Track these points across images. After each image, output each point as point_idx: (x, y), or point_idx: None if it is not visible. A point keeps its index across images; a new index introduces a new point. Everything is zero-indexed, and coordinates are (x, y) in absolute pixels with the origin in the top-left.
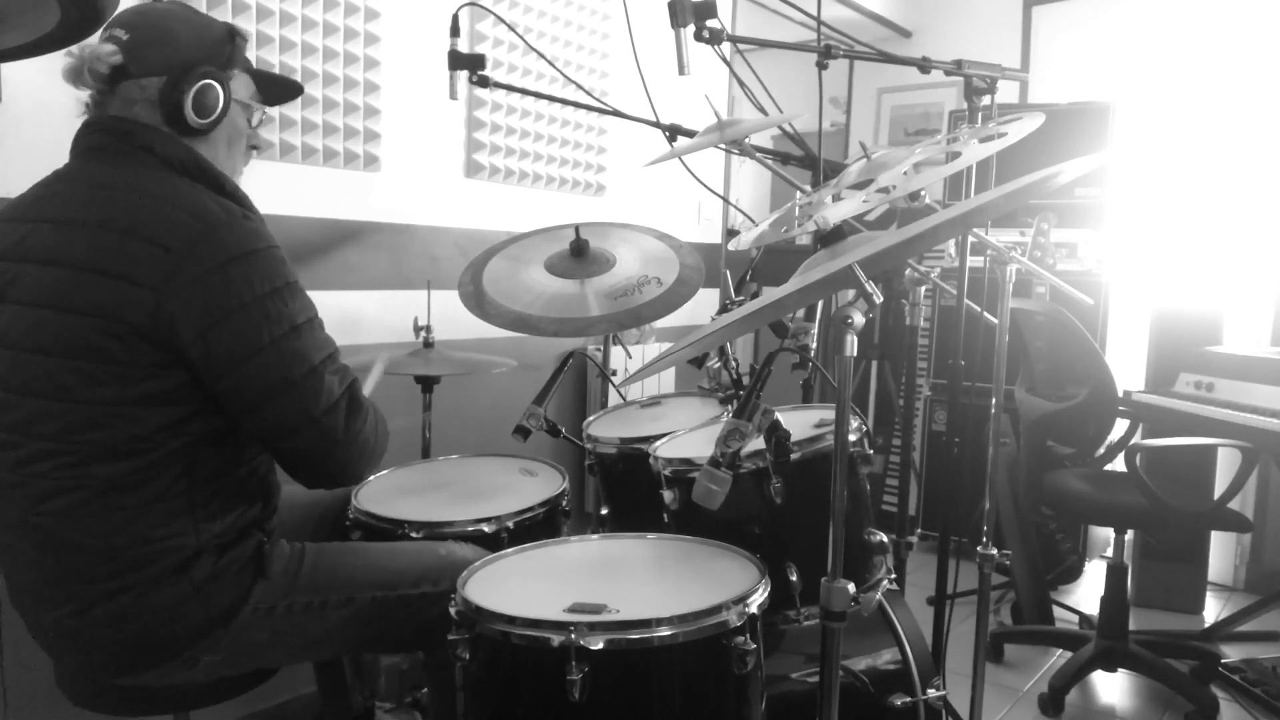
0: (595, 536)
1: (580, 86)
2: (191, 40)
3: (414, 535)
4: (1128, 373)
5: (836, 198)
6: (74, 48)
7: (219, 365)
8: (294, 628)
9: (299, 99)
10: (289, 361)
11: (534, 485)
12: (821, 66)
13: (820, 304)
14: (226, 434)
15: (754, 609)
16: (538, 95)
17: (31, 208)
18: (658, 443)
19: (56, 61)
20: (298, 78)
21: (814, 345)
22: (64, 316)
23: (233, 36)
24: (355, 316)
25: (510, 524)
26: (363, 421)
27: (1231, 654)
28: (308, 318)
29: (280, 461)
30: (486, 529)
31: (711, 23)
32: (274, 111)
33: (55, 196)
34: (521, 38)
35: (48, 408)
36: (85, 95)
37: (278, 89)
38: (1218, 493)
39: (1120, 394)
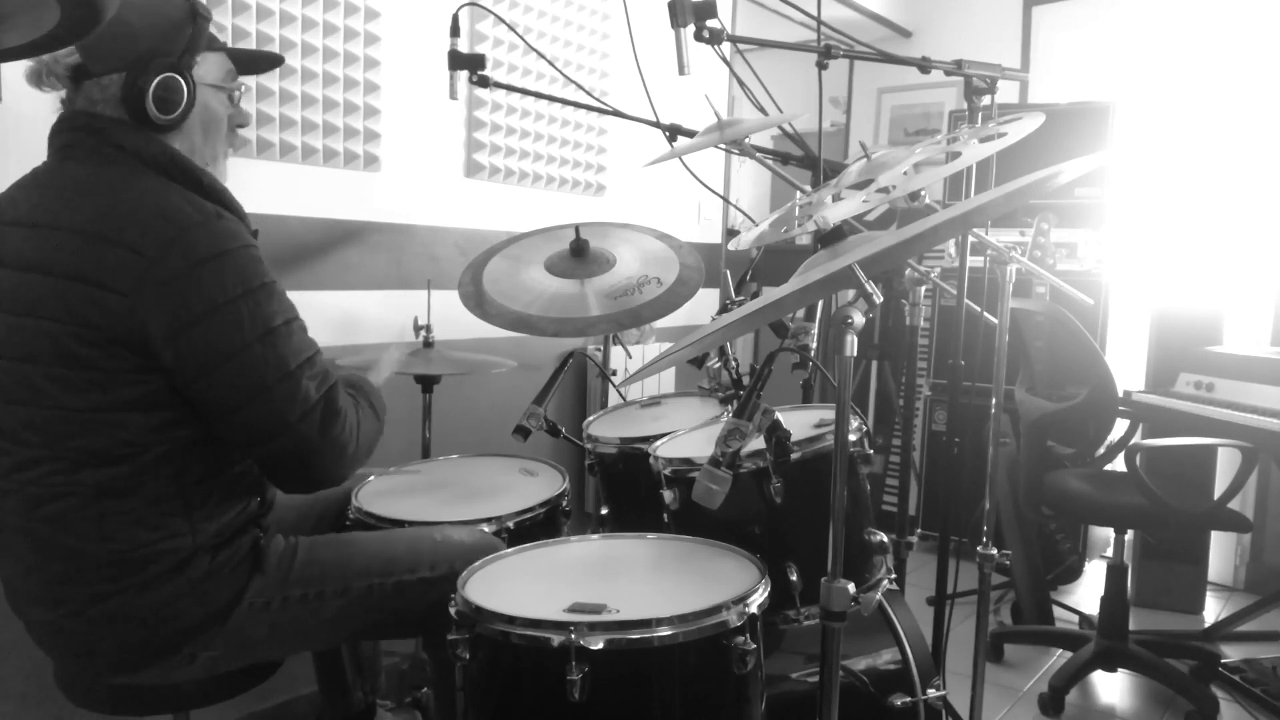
0: (595, 536)
1: (580, 86)
2: (147, 29)
3: None
4: (1128, 373)
5: (836, 198)
6: None
7: (191, 369)
8: (291, 620)
9: (299, 99)
10: (263, 366)
11: (534, 485)
12: (821, 66)
13: (820, 304)
14: (215, 436)
15: (754, 609)
16: (538, 95)
17: (6, 210)
18: (658, 443)
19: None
20: (297, 78)
21: (814, 345)
22: (41, 323)
23: (194, 16)
24: (355, 316)
25: (510, 524)
26: (340, 427)
27: (1231, 654)
28: (285, 320)
29: (258, 466)
30: (487, 529)
31: (711, 23)
32: (274, 111)
33: (29, 199)
34: (521, 38)
35: (33, 415)
36: (61, 94)
37: (254, 61)
38: (1218, 493)
39: (1120, 394)
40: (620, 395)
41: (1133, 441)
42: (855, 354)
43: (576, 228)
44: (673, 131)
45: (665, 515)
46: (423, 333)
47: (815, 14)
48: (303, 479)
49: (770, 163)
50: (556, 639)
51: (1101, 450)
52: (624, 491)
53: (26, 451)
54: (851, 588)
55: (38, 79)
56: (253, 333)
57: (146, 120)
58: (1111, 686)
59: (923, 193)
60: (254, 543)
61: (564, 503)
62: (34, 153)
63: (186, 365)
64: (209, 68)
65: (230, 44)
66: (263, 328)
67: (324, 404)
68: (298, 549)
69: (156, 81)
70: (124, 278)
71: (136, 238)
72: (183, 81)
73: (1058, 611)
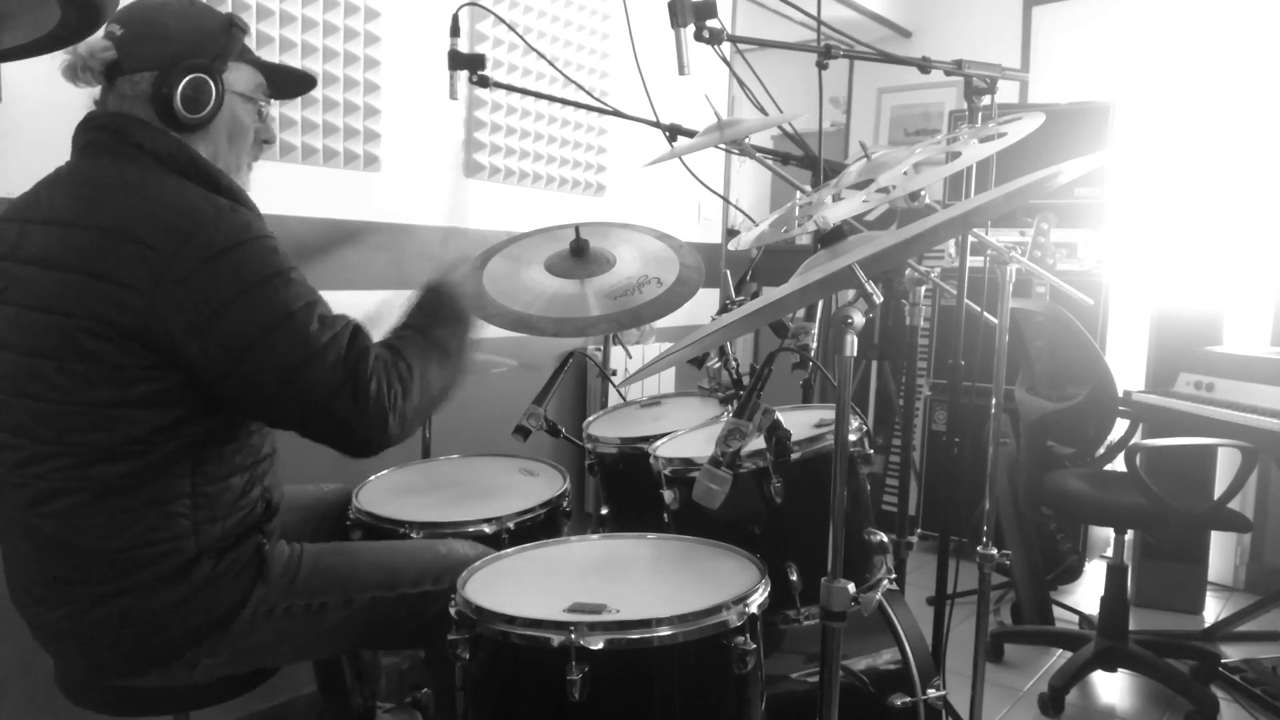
0: (595, 536)
1: (580, 86)
2: (183, 33)
3: (414, 535)
4: (1128, 373)
5: (837, 198)
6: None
7: (220, 365)
8: (294, 629)
9: (299, 99)
10: (285, 351)
11: (534, 485)
12: (821, 66)
13: (820, 304)
14: (225, 436)
15: (754, 609)
16: (538, 95)
17: (28, 208)
18: (658, 443)
19: (57, 61)
20: None
21: (814, 345)
22: (57, 319)
23: (230, 27)
24: (355, 316)
25: (511, 524)
26: (371, 399)
27: (1231, 654)
28: (305, 303)
29: (316, 440)
30: (487, 529)
31: (711, 23)
32: (274, 111)
33: (50, 197)
34: (521, 38)
35: (45, 410)
36: (95, 92)
37: (289, 82)
38: (1218, 493)
39: (1120, 394)
40: (620, 395)
41: (1133, 441)
42: (855, 354)
43: (576, 228)
44: (673, 131)
45: (665, 515)
46: None
47: (815, 14)
48: (353, 448)
49: (770, 163)
50: (556, 639)
51: (1101, 450)
52: (624, 491)
53: (36, 446)
54: (851, 588)
55: (73, 73)
56: (272, 319)
57: (173, 119)
58: (1111, 686)
59: (923, 193)
60: (257, 548)
61: (564, 503)
62: (35, 152)
63: (214, 361)
64: (240, 77)
65: None
66: (282, 313)
67: (351, 381)
68: (303, 557)
69: (185, 81)
70: (141, 275)
71: (151, 234)
72: (211, 84)
73: (1058, 611)
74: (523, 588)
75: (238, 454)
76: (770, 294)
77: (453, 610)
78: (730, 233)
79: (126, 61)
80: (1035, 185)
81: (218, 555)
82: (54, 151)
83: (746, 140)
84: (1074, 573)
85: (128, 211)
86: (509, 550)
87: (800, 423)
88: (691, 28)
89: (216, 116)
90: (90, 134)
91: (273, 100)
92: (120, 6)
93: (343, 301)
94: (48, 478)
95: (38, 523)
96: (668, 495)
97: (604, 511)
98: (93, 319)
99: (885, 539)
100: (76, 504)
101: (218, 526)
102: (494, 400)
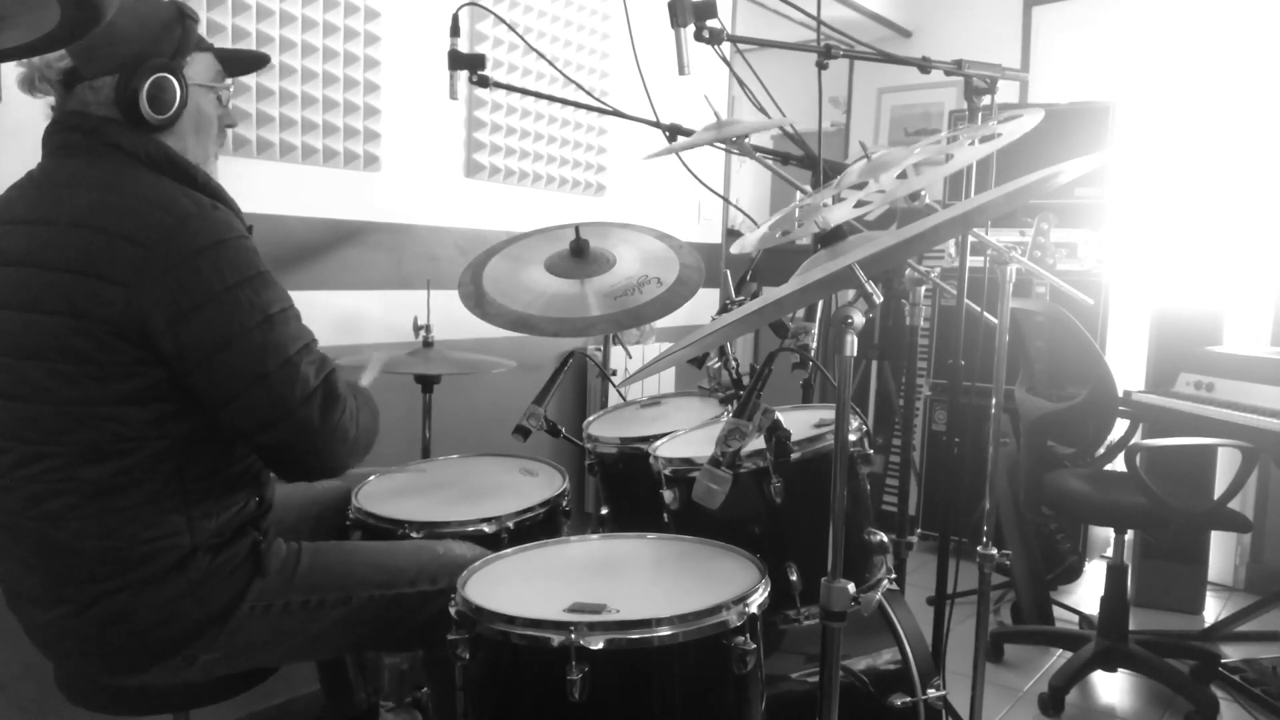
0: (595, 536)
1: (580, 86)
2: (136, 32)
3: (414, 535)
4: (1128, 373)
5: (837, 199)
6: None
7: (191, 358)
8: (292, 627)
9: (299, 99)
10: (262, 352)
11: (534, 485)
12: (821, 66)
13: (820, 304)
14: (215, 431)
15: (754, 609)
16: (538, 95)
17: (4, 209)
18: (658, 443)
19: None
20: (297, 78)
21: (814, 345)
22: (40, 318)
23: (182, 18)
24: (355, 316)
25: (510, 524)
26: (340, 412)
27: (1231, 654)
28: (281, 308)
29: (260, 456)
30: (486, 529)
31: (711, 23)
32: (274, 111)
33: (26, 197)
34: (521, 38)
35: (32, 411)
36: (51, 100)
37: (243, 62)
38: (1218, 493)
39: (1120, 394)
40: (620, 395)
41: (1133, 441)
42: (855, 354)
43: (576, 228)
44: (673, 131)
45: (665, 515)
46: (423, 333)
47: (815, 14)
48: (304, 467)
49: (770, 163)
50: (556, 639)
51: (1101, 450)
52: (624, 491)
53: (26, 448)
54: (851, 588)
55: (29, 84)
56: (251, 319)
57: (140, 121)
58: (1111, 686)
59: (923, 193)
60: (253, 545)
61: (564, 503)
62: (34, 153)
63: (187, 354)
64: (198, 68)
65: (231, 44)
66: (261, 315)
67: (323, 389)
68: (301, 554)
69: (150, 82)
70: (122, 268)
71: (134, 228)
72: (175, 82)
73: (1058, 611)
74: (523, 587)
75: (229, 449)
76: (770, 294)
77: (453, 610)
78: (731, 233)
79: (84, 68)
80: (1035, 185)
81: (214, 551)
82: None
83: (746, 140)
84: (1074, 573)
85: (109, 208)
86: (508, 550)
87: (800, 423)
88: (691, 28)
89: (183, 113)
90: (63, 135)
91: (241, 81)
92: None
93: (343, 302)
94: (40, 479)
95: (31, 525)
96: (668, 495)
97: (604, 511)
98: (75, 316)
99: (885, 539)
100: (69, 505)
101: (212, 522)
102: (494, 400)
